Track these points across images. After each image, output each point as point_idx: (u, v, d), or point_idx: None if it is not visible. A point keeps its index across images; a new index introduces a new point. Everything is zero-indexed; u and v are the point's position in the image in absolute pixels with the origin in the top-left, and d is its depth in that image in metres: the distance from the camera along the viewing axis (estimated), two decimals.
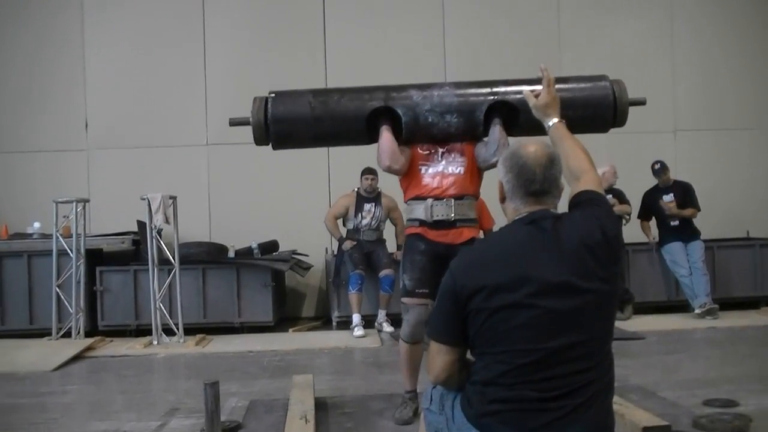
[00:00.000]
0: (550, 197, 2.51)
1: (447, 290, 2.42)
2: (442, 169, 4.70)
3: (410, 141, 4.74)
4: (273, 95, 4.66)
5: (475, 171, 4.76)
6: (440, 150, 4.73)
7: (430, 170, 4.71)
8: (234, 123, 4.73)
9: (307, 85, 9.80)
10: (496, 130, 4.56)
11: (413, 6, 10.49)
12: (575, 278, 2.30)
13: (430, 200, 4.65)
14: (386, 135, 4.63)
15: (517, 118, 4.55)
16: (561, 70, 10.08)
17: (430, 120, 4.63)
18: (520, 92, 4.25)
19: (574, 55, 10.34)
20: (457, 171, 4.70)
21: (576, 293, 2.30)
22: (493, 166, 4.37)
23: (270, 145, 4.72)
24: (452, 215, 4.62)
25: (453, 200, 4.64)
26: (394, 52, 10.26)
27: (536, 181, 2.48)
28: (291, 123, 4.60)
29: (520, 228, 2.46)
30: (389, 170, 4.71)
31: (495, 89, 4.68)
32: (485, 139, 4.69)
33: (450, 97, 4.63)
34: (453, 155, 4.72)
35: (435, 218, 4.63)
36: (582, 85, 4.68)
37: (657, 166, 9.18)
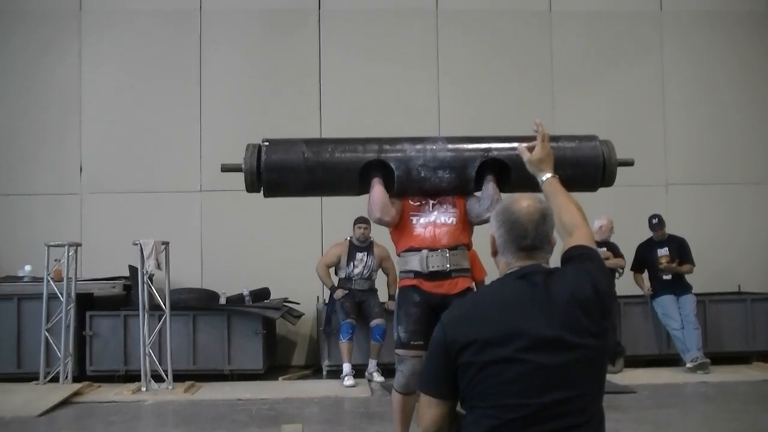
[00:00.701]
0: (542, 252, 2.51)
1: (438, 343, 2.42)
2: (434, 219, 4.73)
3: (402, 194, 4.77)
4: (266, 143, 4.67)
5: (467, 222, 4.79)
6: (431, 201, 4.77)
7: (422, 220, 4.74)
8: (226, 169, 4.75)
9: (302, 131, 9.91)
10: (490, 187, 4.60)
11: (409, 55, 10.60)
12: (566, 333, 2.30)
13: (425, 251, 4.66)
14: (377, 188, 4.65)
15: (510, 176, 4.59)
16: (554, 122, 10.28)
17: (422, 175, 4.66)
18: (513, 149, 4.31)
19: (567, 109, 10.46)
20: (450, 221, 4.73)
21: (567, 348, 2.29)
22: (486, 221, 4.40)
23: (261, 192, 4.73)
24: (448, 266, 4.64)
25: (448, 251, 4.66)
26: (389, 100, 10.35)
27: (528, 237, 2.48)
28: (283, 172, 4.60)
29: (512, 282, 2.46)
30: (380, 222, 4.75)
31: (488, 145, 4.72)
32: (477, 194, 4.72)
33: (443, 152, 4.66)
34: (444, 206, 4.75)
35: (431, 269, 4.64)
36: (572, 144, 4.74)
37: (655, 221, 9.22)
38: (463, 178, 4.68)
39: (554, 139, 4.58)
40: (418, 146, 4.67)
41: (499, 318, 2.35)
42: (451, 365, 2.36)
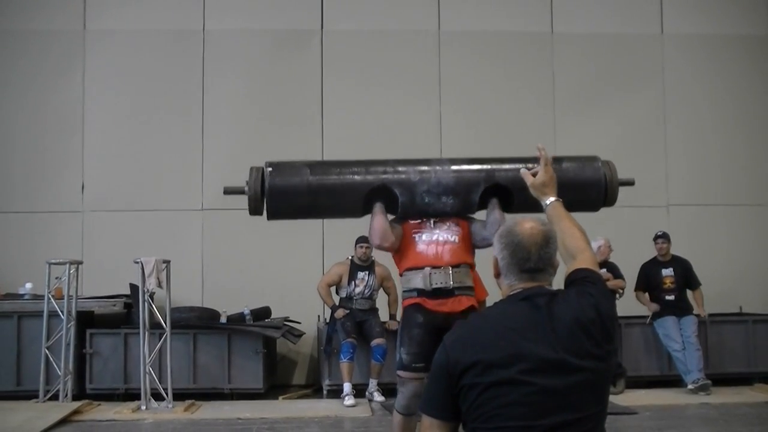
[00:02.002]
0: (544, 275, 2.51)
1: (440, 365, 2.41)
2: (437, 237, 4.73)
3: (405, 218, 4.80)
4: (270, 167, 4.67)
5: (469, 241, 4.80)
6: (432, 220, 4.78)
7: (424, 237, 4.75)
8: (228, 192, 4.75)
9: (304, 150, 10.02)
10: (496, 213, 4.65)
11: (410, 76, 10.64)
12: (570, 356, 2.30)
13: (427, 269, 4.67)
14: (379, 216, 4.70)
15: (513, 199, 4.65)
16: (555, 143, 10.31)
17: (426, 200, 4.70)
18: (515, 170, 4.33)
19: (569, 130, 10.50)
20: (452, 239, 4.73)
21: (570, 371, 2.28)
22: (491, 245, 4.44)
23: (264, 215, 4.72)
24: (451, 283, 4.64)
25: (450, 268, 4.66)
26: (391, 120, 10.39)
27: (531, 260, 2.48)
28: (287, 195, 4.61)
29: (515, 304, 2.46)
30: (380, 248, 4.77)
31: (491, 167, 4.77)
32: (481, 217, 4.76)
33: (447, 178, 4.69)
34: (447, 224, 4.77)
35: (434, 286, 4.64)
36: (574, 165, 4.76)
37: (660, 233, 9.32)
38: (466, 202, 4.73)
39: (556, 160, 4.62)
40: (422, 169, 4.70)
41: (502, 340, 2.34)
42: (453, 387, 2.35)
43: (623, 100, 10.81)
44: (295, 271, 9.91)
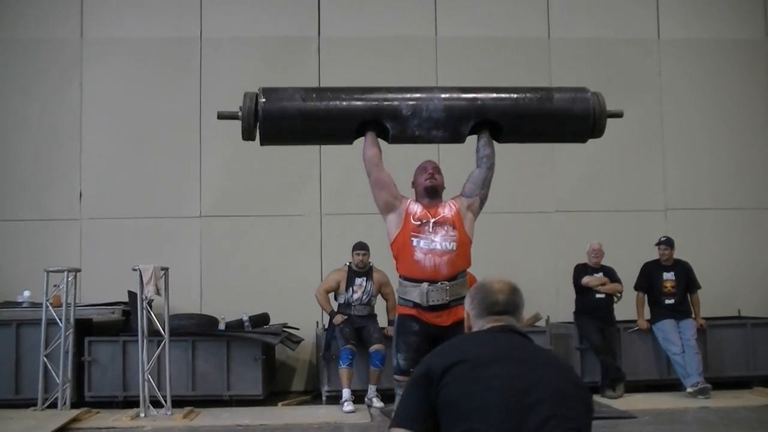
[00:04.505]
0: (512, 318, 2.63)
1: (419, 375, 2.45)
2: (435, 246, 4.73)
3: (395, 143, 4.96)
4: (263, 93, 4.75)
5: (467, 243, 4.82)
6: (431, 220, 4.78)
7: (422, 244, 4.74)
8: (222, 116, 4.88)
9: (301, 161, 10.01)
10: (487, 148, 4.88)
11: (408, 82, 10.55)
12: (547, 369, 2.41)
13: (425, 285, 4.68)
14: (369, 147, 4.88)
15: (502, 129, 4.86)
16: (552, 148, 10.30)
17: (417, 134, 4.85)
18: (508, 100, 4.69)
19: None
20: (450, 247, 4.73)
21: (549, 375, 2.36)
22: (489, 178, 4.88)
23: (258, 140, 4.79)
24: (447, 299, 4.66)
25: (447, 283, 4.68)
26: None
27: (499, 304, 2.62)
28: (281, 119, 4.70)
29: (492, 332, 2.59)
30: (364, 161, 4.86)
31: (483, 98, 4.90)
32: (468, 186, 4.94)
33: (438, 112, 4.78)
34: (445, 228, 4.77)
35: (431, 303, 4.66)
36: (563, 95, 4.86)
37: (663, 239, 9.30)
38: (456, 134, 4.90)
39: (546, 90, 4.92)
40: (414, 102, 4.79)
41: (481, 348, 2.45)
42: (431, 392, 2.37)
43: (620, 104, 10.52)
44: (294, 277, 9.91)
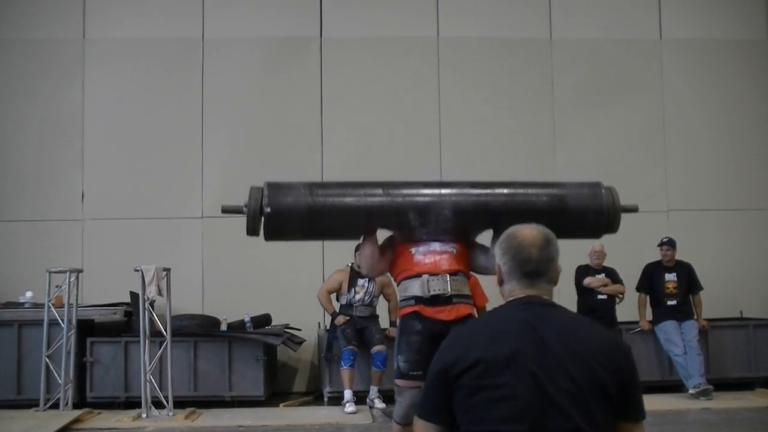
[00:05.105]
0: (545, 280, 2.51)
1: (435, 371, 2.42)
2: (434, 248, 4.73)
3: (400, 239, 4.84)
4: (269, 186, 4.59)
5: (466, 252, 4.81)
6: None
7: (421, 249, 4.76)
8: (226, 210, 4.71)
9: (303, 156, 10.08)
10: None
11: (409, 88, 10.64)
12: (568, 363, 2.29)
13: (425, 276, 4.66)
14: (369, 247, 4.76)
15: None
16: (554, 149, 10.32)
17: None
18: (520, 196, 4.43)
19: (568, 135, 10.58)
20: (450, 250, 4.74)
21: (569, 376, 2.28)
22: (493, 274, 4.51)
23: (263, 236, 4.65)
24: (449, 290, 4.64)
25: (448, 276, 4.66)
26: (390, 131, 10.46)
27: (532, 261, 2.48)
28: (286, 216, 4.54)
29: (514, 308, 2.47)
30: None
31: (493, 199, 4.69)
32: (481, 243, 4.81)
33: (447, 222, 4.62)
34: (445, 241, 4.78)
35: (432, 293, 4.63)
36: (576, 191, 4.69)
37: (665, 240, 9.33)
38: (464, 236, 4.82)
39: (558, 185, 4.63)
40: (420, 201, 4.62)
41: (499, 343, 2.35)
42: (448, 389, 2.36)
43: (622, 105, 10.82)
44: (296, 278, 9.91)
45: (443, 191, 4.70)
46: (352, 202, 4.60)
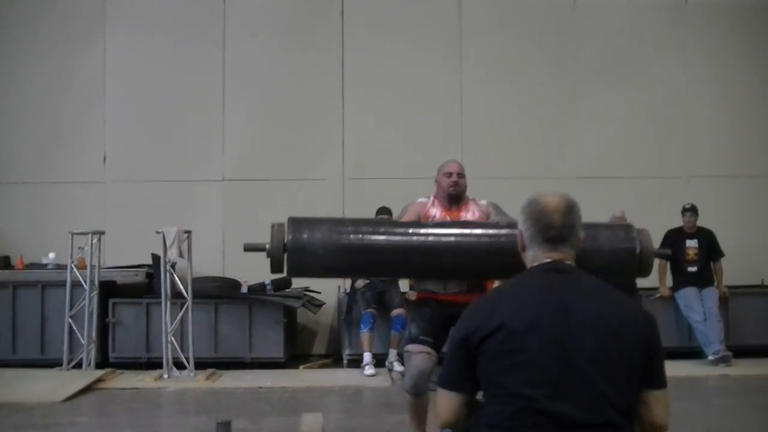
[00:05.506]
0: (567, 245, 2.51)
1: (458, 339, 2.42)
2: None
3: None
4: (292, 223, 4.47)
5: None
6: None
7: None
8: (249, 249, 4.62)
9: (324, 118, 10.04)
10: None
11: (432, 50, 10.56)
12: (594, 330, 2.30)
13: None
14: None
15: None
16: (577, 113, 10.23)
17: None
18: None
19: (590, 101, 10.49)
20: None
21: (594, 343, 2.29)
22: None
23: (285, 272, 4.52)
24: (465, 287, 4.64)
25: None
26: (412, 90, 10.39)
27: (554, 227, 2.48)
28: (309, 254, 4.38)
29: (537, 274, 2.47)
30: None
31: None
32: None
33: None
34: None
35: (449, 292, 4.65)
36: (607, 233, 4.57)
37: (688, 206, 9.26)
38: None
39: (589, 227, 4.52)
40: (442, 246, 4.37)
41: (522, 308, 2.36)
42: (471, 355, 2.36)
43: (646, 70, 10.69)
44: None
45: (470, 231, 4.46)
46: (380, 241, 4.41)
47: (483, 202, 4.94)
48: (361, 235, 4.37)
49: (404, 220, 4.80)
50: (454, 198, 4.88)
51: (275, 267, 4.41)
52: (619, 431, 2.28)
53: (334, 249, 4.32)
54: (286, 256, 4.33)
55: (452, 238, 4.31)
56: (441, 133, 10.37)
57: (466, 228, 4.46)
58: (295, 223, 4.42)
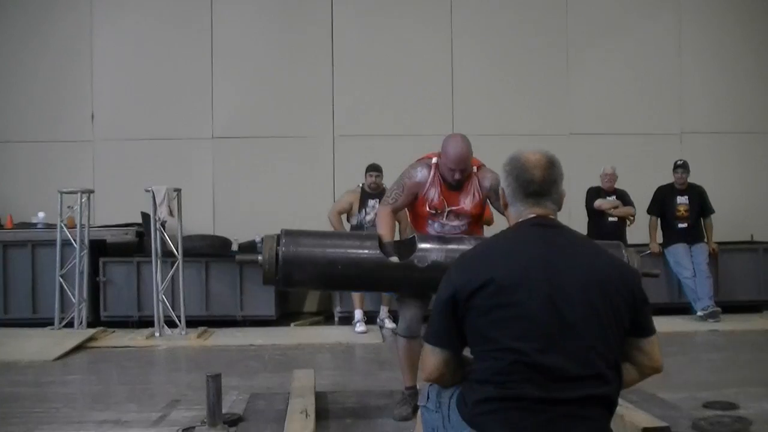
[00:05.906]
0: (549, 200, 2.50)
1: (445, 296, 2.40)
2: (447, 229, 4.74)
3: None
4: (285, 235, 4.46)
5: (480, 218, 4.84)
6: (447, 210, 4.74)
7: (436, 226, 4.79)
8: (241, 261, 4.59)
9: (313, 76, 9.95)
10: None
11: (421, 9, 10.46)
12: (581, 284, 2.31)
13: (436, 225, 4.79)
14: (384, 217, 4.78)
15: None
16: (568, 72, 10.19)
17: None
18: None
19: (583, 59, 10.43)
20: (463, 226, 4.75)
21: (582, 296, 2.29)
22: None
23: (278, 284, 4.53)
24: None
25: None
26: (402, 54, 10.34)
27: (535, 182, 2.48)
28: (302, 265, 4.39)
29: (525, 229, 2.47)
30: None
31: None
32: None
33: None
34: (461, 218, 4.76)
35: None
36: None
37: (680, 163, 9.25)
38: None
39: None
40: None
41: (511, 262, 2.35)
42: (459, 312, 2.36)
43: (639, 25, 10.63)
44: (306, 198, 9.92)
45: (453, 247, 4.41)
46: (369, 255, 4.40)
47: (486, 183, 4.76)
48: (354, 250, 4.37)
49: (399, 205, 4.84)
50: (456, 185, 4.75)
51: (268, 280, 4.41)
52: (608, 383, 2.30)
53: (326, 262, 4.34)
54: (278, 267, 4.31)
55: (442, 254, 4.31)
56: (432, 92, 10.32)
57: (453, 243, 4.43)
58: (288, 235, 4.41)
